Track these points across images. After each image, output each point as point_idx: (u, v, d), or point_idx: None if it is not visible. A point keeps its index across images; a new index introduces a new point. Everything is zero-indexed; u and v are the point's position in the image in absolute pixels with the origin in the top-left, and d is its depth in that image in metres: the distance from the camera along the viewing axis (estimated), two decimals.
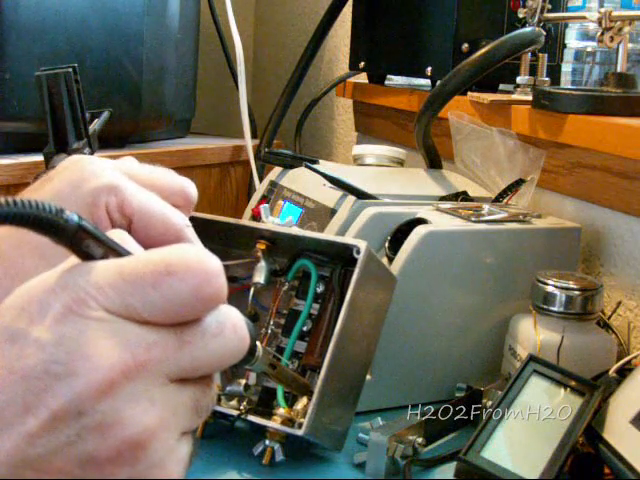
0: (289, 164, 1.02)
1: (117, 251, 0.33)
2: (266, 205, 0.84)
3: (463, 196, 0.94)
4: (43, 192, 0.43)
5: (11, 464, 0.30)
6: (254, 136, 1.46)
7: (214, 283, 0.33)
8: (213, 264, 0.33)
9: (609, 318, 0.88)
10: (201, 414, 0.35)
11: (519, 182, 0.93)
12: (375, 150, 1.15)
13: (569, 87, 1.03)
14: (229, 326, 0.34)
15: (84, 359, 0.31)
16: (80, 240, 0.32)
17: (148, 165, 0.45)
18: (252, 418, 0.69)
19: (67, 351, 0.31)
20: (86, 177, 0.42)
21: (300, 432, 0.66)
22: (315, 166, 0.92)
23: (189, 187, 0.45)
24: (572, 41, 1.05)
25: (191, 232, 0.41)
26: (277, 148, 1.30)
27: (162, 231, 0.40)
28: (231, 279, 0.77)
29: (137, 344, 0.32)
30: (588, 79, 1.04)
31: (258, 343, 0.40)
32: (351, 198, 0.86)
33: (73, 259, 0.33)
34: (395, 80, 1.41)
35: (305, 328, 0.73)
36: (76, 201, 0.41)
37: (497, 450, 0.64)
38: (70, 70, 0.91)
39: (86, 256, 0.33)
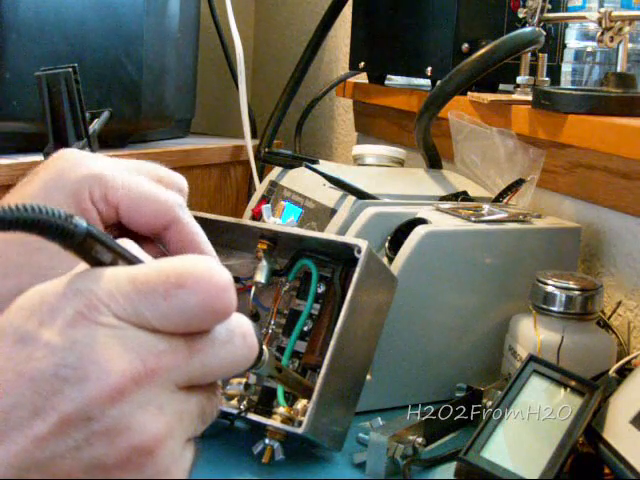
0: (289, 164, 1.02)
1: (126, 257, 0.33)
2: (268, 205, 0.84)
3: (463, 196, 0.94)
4: (31, 185, 0.43)
5: (19, 467, 0.30)
6: (254, 136, 1.45)
7: (224, 297, 0.33)
8: (224, 277, 0.33)
9: (609, 318, 0.88)
10: (206, 421, 0.35)
11: (519, 182, 0.93)
12: (375, 150, 1.15)
13: (569, 87, 1.03)
14: (238, 334, 0.34)
15: (95, 364, 0.31)
16: (89, 246, 0.32)
17: (141, 160, 0.45)
18: (252, 416, 0.69)
19: (78, 356, 0.31)
20: (69, 168, 0.42)
21: (300, 430, 0.66)
22: (315, 166, 0.92)
23: (183, 179, 0.45)
24: (572, 41, 1.05)
25: (186, 212, 0.41)
26: (277, 148, 1.30)
27: (153, 212, 0.39)
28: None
29: (148, 351, 0.32)
30: (588, 79, 1.04)
31: (265, 347, 0.40)
32: (351, 198, 0.86)
33: (83, 264, 0.33)
34: (395, 80, 1.41)
35: (306, 328, 0.74)
36: (61, 191, 0.41)
37: (497, 450, 0.64)
38: (70, 70, 0.91)
39: (95, 262, 0.32)
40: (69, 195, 0.41)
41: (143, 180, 0.41)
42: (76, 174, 0.41)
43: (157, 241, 0.42)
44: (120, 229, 0.42)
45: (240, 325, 0.34)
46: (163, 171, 0.45)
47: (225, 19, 1.42)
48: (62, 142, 0.93)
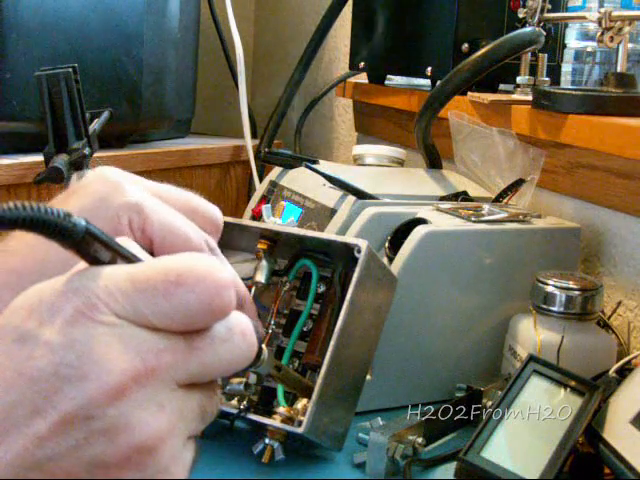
0: (289, 164, 1.02)
1: (125, 256, 0.33)
2: (268, 205, 0.84)
3: (463, 196, 0.94)
4: (67, 206, 0.42)
5: (19, 466, 0.30)
6: (254, 136, 1.46)
7: (224, 295, 0.33)
8: (224, 276, 0.33)
9: (609, 318, 0.88)
10: (206, 419, 0.35)
11: (519, 182, 0.93)
12: (375, 150, 1.15)
13: (569, 87, 1.03)
14: (238, 332, 0.34)
15: (95, 363, 0.31)
16: (88, 244, 0.32)
17: (180, 189, 0.45)
18: (252, 416, 0.69)
19: (78, 354, 0.31)
20: (110, 193, 0.42)
21: (300, 430, 0.66)
22: (315, 166, 0.92)
23: (218, 213, 0.45)
24: (572, 41, 1.05)
25: (217, 254, 0.41)
26: (277, 148, 1.30)
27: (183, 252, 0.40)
28: None
29: (147, 350, 0.32)
30: (588, 79, 1.04)
31: (264, 346, 0.40)
32: (351, 198, 0.86)
33: (83, 263, 0.33)
34: (395, 80, 1.41)
35: (306, 328, 0.74)
36: (100, 217, 0.41)
37: (497, 450, 0.64)
38: (70, 70, 0.91)
39: (94, 260, 0.33)
40: (108, 221, 0.41)
41: (179, 217, 0.41)
42: (117, 201, 0.41)
43: None
44: None
45: (239, 323, 0.35)
46: (199, 202, 0.44)
47: (225, 19, 1.43)
48: (62, 142, 0.93)
